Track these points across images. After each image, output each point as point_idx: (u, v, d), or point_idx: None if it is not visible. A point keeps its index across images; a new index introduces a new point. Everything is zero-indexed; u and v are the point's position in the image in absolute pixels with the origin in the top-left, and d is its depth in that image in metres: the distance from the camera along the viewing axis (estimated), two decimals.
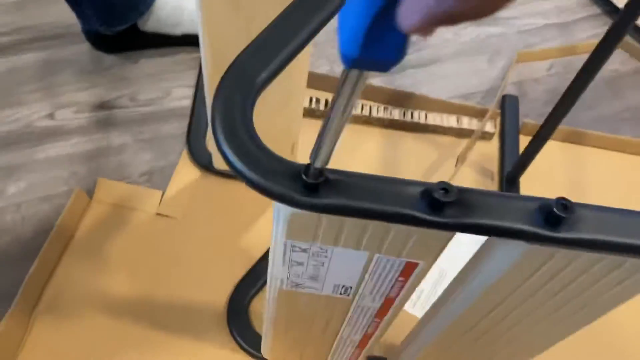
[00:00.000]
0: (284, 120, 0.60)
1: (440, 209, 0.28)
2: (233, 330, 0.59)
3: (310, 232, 0.32)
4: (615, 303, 0.35)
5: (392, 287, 0.37)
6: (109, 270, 0.63)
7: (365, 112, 0.79)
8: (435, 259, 0.34)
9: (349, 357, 0.52)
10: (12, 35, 0.84)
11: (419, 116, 0.80)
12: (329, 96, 0.80)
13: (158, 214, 0.67)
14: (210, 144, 0.69)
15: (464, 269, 0.39)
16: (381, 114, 0.79)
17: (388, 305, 0.40)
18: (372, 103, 0.81)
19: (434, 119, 0.80)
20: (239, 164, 0.29)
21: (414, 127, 0.80)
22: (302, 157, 0.74)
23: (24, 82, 0.79)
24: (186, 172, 0.71)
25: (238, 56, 0.32)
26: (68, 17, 0.82)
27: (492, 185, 0.76)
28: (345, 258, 0.34)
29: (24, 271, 0.58)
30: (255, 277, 0.63)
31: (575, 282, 0.33)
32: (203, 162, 0.71)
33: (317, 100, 0.78)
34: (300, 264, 0.35)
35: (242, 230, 0.68)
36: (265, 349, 0.55)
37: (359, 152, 0.77)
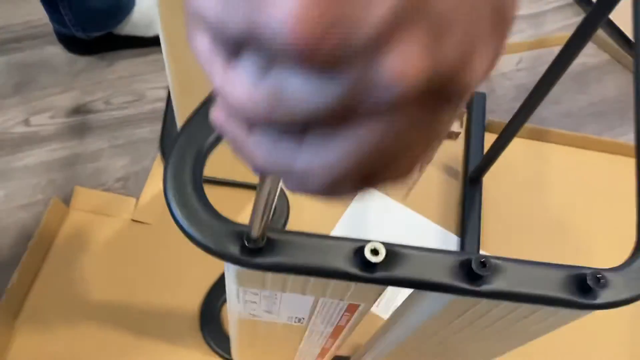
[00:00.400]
0: None
1: (371, 267, 0.31)
2: (206, 334, 0.63)
3: (258, 282, 0.35)
4: (543, 333, 0.39)
5: (339, 319, 0.40)
6: (88, 277, 0.65)
7: None
8: (375, 300, 0.38)
9: (316, 354, 0.56)
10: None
11: None
12: None
13: (133, 220, 0.70)
14: None
15: (402, 305, 0.42)
16: None
17: (339, 330, 0.43)
18: None
19: None
20: (188, 228, 0.31)
21: None
22: None
23: None
24: (160, 177, 0.74)
25: (187, 121, 0.34)
26: (39, 16, 0.82)
27: (457, 185, 0.79)
28: (294, 299, 0.37)
29: (4, 281, 0.61)
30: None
31: (501, 320, 0.37)
32: None
33: None
34: (254, 302, 0.38)
35: None
36: (234, 355, 0.59)
37: None
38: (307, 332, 0.45)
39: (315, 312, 0.39)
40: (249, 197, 0.74)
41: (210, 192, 0.75)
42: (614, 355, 0.69)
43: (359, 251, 0.31)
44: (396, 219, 0.74)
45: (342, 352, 0.63)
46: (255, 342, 0.51)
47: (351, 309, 0.38)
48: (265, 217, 0.28)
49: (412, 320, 0.40)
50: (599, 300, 0.32)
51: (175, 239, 0.69)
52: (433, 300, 0.36)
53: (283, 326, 0.44)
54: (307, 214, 0.74)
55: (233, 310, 0.41)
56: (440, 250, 0.33)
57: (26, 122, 0.77)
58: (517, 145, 0.83)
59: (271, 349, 0.53)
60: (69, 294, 0.64)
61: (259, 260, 0.31)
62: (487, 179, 0.80)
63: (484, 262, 0.32)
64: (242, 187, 0.73)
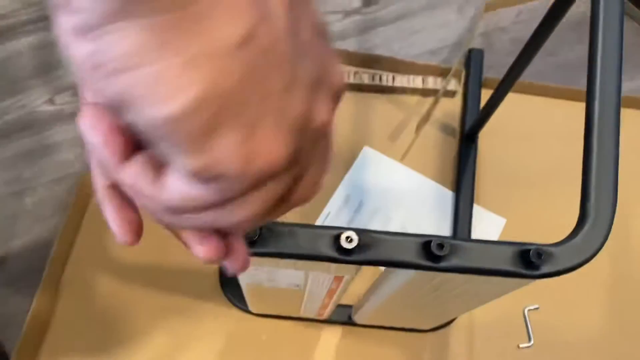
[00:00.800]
0: None
1: (347, 251, 0.38)
2: (226, 292, 0.71)
3: (256, 262, 0.42)
4: (501, 294, 0.46)
5: (330, 285, 0.48)
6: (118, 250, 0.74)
7: None
8: (356, 272, 0.44)
9: (318, 309, 0.64)
10: (9, 18, 0.89)
11: (387, 79, 0.86)
12: None
13: None
14: None
15: (382, 273, 0.49)
16: (352, 80, 0.86)
17: (332, 292, 0.51)
18: (344, 69, 0.87)
19: (401, 80, 0.86)
20: None
21: (382, 89, 0.87)
22: None
23: (21, 67, 0.86)
24: None
25: None
26: None
27: (454, 142, 0.84)
28: (289, 273, 0.44)
29: (46, 250, 0.69)
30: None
31: (462, 287, 0.43)
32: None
33: None
34: (256, 274, 0.46)
35: None
36: (251, 308, 0.67)
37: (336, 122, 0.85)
38: (306, 294, 0.52)
39: (309, 281, 0.47)
40: None
41: None
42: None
43: (337, 239, 0.38)
44: (395, 177, 0.80)
45: (346, 302, 0.71)
46: (264, 299, 0.59)
47: (337, 278, 0.45)
48: None
49: (390, 285, 0.47)
50: (540, 272, 0.38)
51: None
52: (403, 273, 0.42)
53: (284, 290, 0.51)
54: None
55: (241, 278, 0.48)
56: (406, 234, 0.39)
57: (51, 101, 0.83)
58: (512, 101, 0.87)
59: (279, 303, 0.61)
60: (104, 258, 0.72)
61: (253, 249, 0.38)
62: (483, 136, 0.84)
63: (441, 244, 0.38)
64: None
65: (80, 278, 0.71)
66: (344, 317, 0.70)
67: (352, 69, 0.87)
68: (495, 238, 0.77)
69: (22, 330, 0.64)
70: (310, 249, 0.38)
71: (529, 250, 0.38)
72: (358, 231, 0.38)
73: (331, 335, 0.70)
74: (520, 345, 0.71)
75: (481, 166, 0.82)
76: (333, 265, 0.41)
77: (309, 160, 0.18)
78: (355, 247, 0.38)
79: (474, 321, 0.72)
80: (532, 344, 0.71)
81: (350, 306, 0.70)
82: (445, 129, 0.85)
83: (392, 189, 0.79)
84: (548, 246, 0.39)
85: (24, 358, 0.65)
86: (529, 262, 0.38)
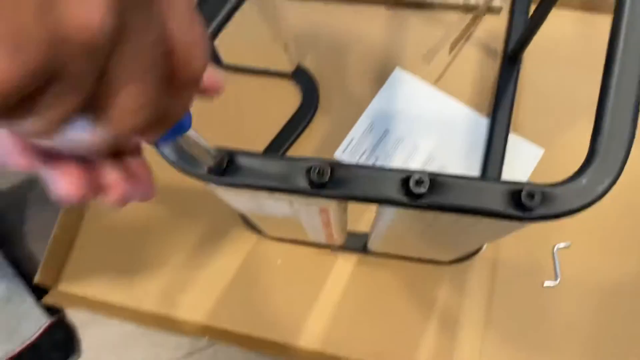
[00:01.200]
0: (272, 26, 0.64)
1: (319, 185, 0.35)
2: (244, 219, 0.71)
3: (233, 191, 0.40)
4: (498, 237, 0.42)
5: (320, 216, 0.46)
6: None
7: None
8: (340, 206, 0.42)
9: (325, 237, 0.63)
10: None
11: None
12: None
13: None
14: (218, 42, 0.74)
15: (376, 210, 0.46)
16: None
17: (327, 224, 0.49)
18: None
19: None
20: (168, 156, 0.37)
21: (419, 5, 0.80)
22: (299, 50, 0.78)
23: None
24: None
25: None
26: None
27: (495, 65, 0.77)
28: (272, 203, 0.43)
29: None
30: None
31: (454, 226, 0.40)
32: (211, 57, 0.78)
33: None
34: (243, 202, 0.44)
35: (251, 118, 0.76)
36: (264, 231, 0.67)
37: (362, 34, 0.80)
38: (303, 223, 0.51)
39: (296, 212, 0.45)
40: (267, 84, 0.77)
41: (233, 79, 0.79)
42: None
43: (307, 171, 0.35)
44: (426, 102, 0.75)
45: (362, 229, 0.70)
46: (270, 224, 0.58)
47: (324, 210, 0.43)
48: (204, 153, 0.33)
49: (383, 219, 0.45)
50: (532, 214, 0.35)
51: (210, 125, 0.76)
52: (388, 208, 0.40)
53: (281, 218, 0.50)
54: (336, 96, 0.76)
55: (233, 204, 0.48)
56: (383, 168, 0.36)
57: None
58: (565, 18, 0.78)
59: (286, 229, 0.60)
60: None
61: (222, 179, 0.36)
62: (528, 57, 0.77)
63: (419, 180, 0.35)
64: (261, 74, 0.77)
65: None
66: (359, 245, 0.68)
67: None
68: (530, 169, 0.72)
69: (48, 244, 0.67)
70: (281, 180, 0.36)
71: (521, 190, 0.34)
72: (332, 164, 0.36)
73: (346, 263, 0.69)
74: (545, 284, 0.67)
75: (522, 91, 0.75)
76: (310, 198, 0.39)
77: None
78: (328, 180, 0.35)
79: (498, 255, 0.69)
80: (558, 283, 0.67)
81: (366, 234, 0.69)
82: (487, 49, 0.78)
83: (422, 115, 0.75)
84: (547, 186, 0.35)
85: (50, 271, 0.69)
86: (520, 203, 0.34)
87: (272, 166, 0.36)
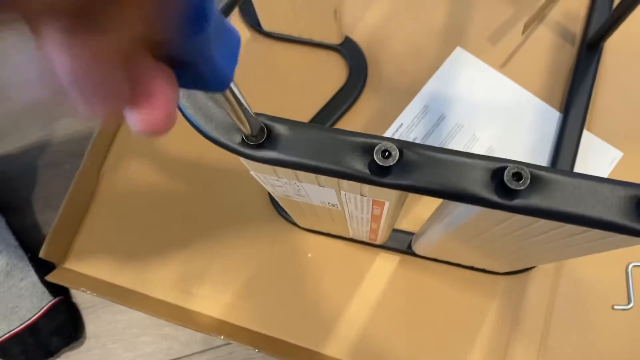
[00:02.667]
0: None
1: (383, 170, 0.27)
2: (275, 203, 0.63)
3: (269, 171, 0.32)
4: (601, 250, 0.33)
5: (371, 210, 0.37)
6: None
7: None
8: (400, 200, 0.34)
9: (367, 233, 0.55)
10: None
11: None
12: None
13: None
14: (256, 5, 0.66)
15: (439, 206, 0.38)
16: None
17: (377, 218, 0.41)
18: None
19: None
20: (195, 121, 0.29)
21: None
22: (348, 19, 0.69)
23: None
24: None
25: None
26: None
27: (572, 51, 0.67)
28: (316, 189, 0.34)
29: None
30: None
31: (542, 236, 0.32)
32: (252, 23, 0.70)
33: None
34: (280, 186, 0.36)
35: (292, 91, 0.68)
36: (296, 220, 0.59)
37: (421, 6, 0.70)
38: (346, 214, 0.43)
39: (344, 202, 0.37)
40: (312, 55, 0.69)
41: (273, 47, 0.71)
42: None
43: (368, 151, 0.27)
44: (489, 88, 0.66)
45: (407, 227, 0.61)
46: (305, 215, 0.50)
47: (378, 203, 0.35)
48: (244, 117, 0.25)
49: (449, 220, 0.36)
50: None
51: (251, 96, 0.68)
52: (465, 207, 0.31)
53: (321, 208, 0.42)
54: (386, 75, 0.68)
55: (267, 187, 0.40)
56: (469, 154, 0.27)
57: None
58: None
59: (323, 221, 0.52)
60: (145, 154, 0.67)
61: (258, 153, 0.28)
62: (610, 46, 0.67)
63: (518, 174, 0.26)
64: (306, 44, 0.69)
65: (120, 170, 0.66)
66: (403, 245, 0.60)
67: None
68: (606, 174, 0.62)
69: (57, 217, 0.60)
70: (332, 160, 0.28)
71: None
72: (401, 143, 0.27)
73: (386, 263, 0.61)
74: (616, 307, 0.58)
75: (601, 84, 0.65)
76: (365, 187, 0.31)
77: None
78: (394, 164, 0.27)
79: (561, 270, 0.60)
80: (631, 307, 0.58)
81: (411, 233, 0.60)
82: (564, 33, 0.68)
83: (484, 102, 0.66)
84: None
85: (57, 246, 0.62)
86: None
87: (322, 140, 0.28)
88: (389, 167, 0.27)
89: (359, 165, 0.27)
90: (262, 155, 0.28)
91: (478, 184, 0.27)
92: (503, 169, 0.26)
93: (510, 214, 0.29)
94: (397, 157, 0.27)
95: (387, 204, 0.34)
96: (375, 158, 0.27)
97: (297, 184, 0.34)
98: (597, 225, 0.27)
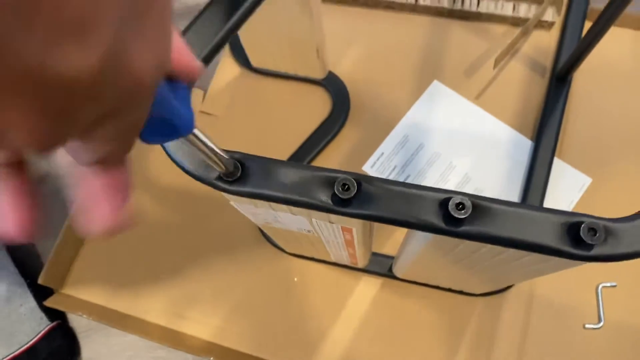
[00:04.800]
0: (303, 30, 0.60)
1: (344, 202, 0.31)
2: (263, 232, 0.67)
3: (247, 201, 0.36)
4: (542, 274, 0.37)
5: (343, 235, 0.41)
6: (156, 165, 0.71)
7: (411, 0, 0.75)
8: (366, 226, 0.37)
9: (347, 257, 0.58)
10: None
11: (471, 3, 0.74)
12: None
13: (201, 112, 0.73)
14: (244, 43, 0.70)
15: (406, 233, 0.41)
16: (428, 2, 0.74)
17: (350, 243, 0.44)
18: None
19: (488, 6, 0.74)
20: (176, 158, 0.32)
21: (464, 15, 0.75)
22: (332, 54, 0.74)
23: None
24: (227, 71, 0.75)
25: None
26: None
27: (543, 82, 0.72)
28: (290, 217, 0.38)
29: None
30: None
31: (497, 258, 0.35)
32: (242, 60, 0.74)
33: None
34: (259, 214, 0.40)
35: (279, 124, 0.72)
36: (282, 246, 0.63)
37: (400, 43, 0.75)
38: (323, 240, 0.46)
39: (317, 229, 0.40)
40: (297, 89, 0.73)
41: (262, 83, 0.75)
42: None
43: (331, 184, 0.31)
44: (465, 119, 0.70)
45: (387, 251, 0.64)
46: (288, 240, 0.53)
47: (346, 229, 0.38)
48: (214, 157, 0.28)
49: (413, 244, 0.40)
50: (592, 253, 0.29)
51: (241, 128, 0.72)
52: (420, 232, 0.35)
53: (300, 234, 0.45)
54: (368, 107, 0.72)
55: (251, 218, 0.43)
56: (418, 186, 0.31)
57: None
58: (623, 37, 0.72)
59: (306, 247, 0.55)
60: (144, 183, 0.70)
61: (233, 187, 0.32)
62: (578, 77, 0.71)
63: (461, 204, 0.30)
64: (291, 79, 0.73)
65: None
66: (384, 268, 0.63)
67: None
68: (576, 199, 0.66)
69: (55, 245, 0.64)
70: (300, 192, 0.31)
71: (580, 223, 0.29)
72: (359, 177, 0.31)
73: (368, 286, 0.64)
74: (587, 325, 0.61)
75: (571, 113, 0.69)
76: (332, 215, 0.34)
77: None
78: (353, 196, 0.30)
79: (535, 291, 0.63)
80: (601, 326, 0.61)
81: (392, 257, 0.63)
82: (535, 66, 0.72)
83: (460, 132, 0.70)
84: (610, 221, 0.30)
85: (55, 272, 0.65)
86: (579, 239, 0.29)
87: (290, 175, 0.32)
88: (349, 199, 0.30)
89: (323, 197, 0.31)
90: (237, 189, 0.32)
91: (428, 213, 0.30)
92: (448, 199, 0.30)
93: (459, 240, 0.32)
94: (355, 190, 0.30)
95: (354, 230, 0.38)
96: (336, 191, 0.30)
97: (272, 212, 0.38)
98: (534, 249, 0.30)
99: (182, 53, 0.20)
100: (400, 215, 0.30)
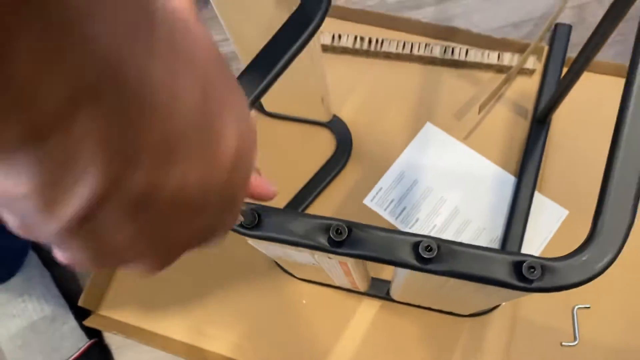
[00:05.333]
0: (310, 82, 0.69)
1: (337, 244, 0.39)
2: (277, 261, 0.75)
3: (261, 242, 0.44)
4: (502, 301, 0.45)
5: (341, 267, 0.49)
6: None
7: (407, 50, 0.84)
8: (357, 261, 0.46)
9: (348, 283, 0.66)
10: None
11: (460, 53, 0.83)
12: (352, 28, 0.85)
13: None
14: None
15: None
16: (422, 52, 0.83)
17: (348, 272, 0.52)
18: (414, 40, 0.85)
19: (475, 55, 0.83)
20: None
21: (454, 63, 0.84)
22: (337, 99, 0.83)
23: None
24: None
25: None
26: None
27: (525, 124, 0.80)
28: (296, 253, 0.46)
29: None
30: (293, 206, 0.77)
31: (463, 289, 0.43)
32: (257, 105, 0.83)
33: (339, 37, 0.85)
34: (272, 250, 0.49)
35: (290, 161, 0.81)
36: (292, 272, 0.71)
37: (397, 89, 0.84)
38: (325, 270, 0.54)
39: (318, 261, 0.49)
40: (306, 131, 0.82)
41: (274, 126, 0.84)
42: None
43: (327, 230, 0.39)
44: (455, 157, 0.78)
45: (386, 277, 0.72)
46: (296, 269, 0.62)
47: (343, 263, 0.47)
48: None
49: (399, 276, 0.48)
50: (533, 286, 0.37)
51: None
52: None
53: (306, 264, 0.54)
54: (368, 146, 0.80)
55: (265, 252, 0.52)
56: (397, 232, 0.39)
57: None
58: (597, 82, 0.80)
59: (312, 274, 0.64)
60: None
61: (250, 232, 0.40)
62: (557, 120, 0.79)
63: (429, 246, 0.38)
64: (300, 122, 0.82)
65: None
66: (382, 291, 0.71)
67: (424, 39, 0.85)
68: (554, 229, 0.74)
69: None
70: (303, 237, 0.40)
71: (523, 261, 0.37)
72: (350, 225, 0.39)
73: (369, 308, 0.72)
74: (563, 343, 0.68)
75: (550, 152, 0.78)
76: (330, 254, 0.43)
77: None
78: (345, 239, 0.39)
79: (517, 312, 0.70)
80: (576, 344, 0.68)
81: (389, 281, 0.71)
82: (518, 110, 0.81)
83: (451, 169, 0.78)
84: (548, 260, 0.38)
85: (93, 296, 0.74)
86: (521, 274, 0.37)
87: (296, 224, 0.40)
88: (342, 241, 0.39)
89: (321, 240, 0.39)
90: (255, 234, 0.40)
91: (404, 254, 0.39)
92: (419, 242, 0.38)
93: (430, 274, 0.40)
94: (346, 234, 0.39)
95: (349, 264, 0.46)
96: (331, 235, 0.39)
97: (282, 250, 0.46)
98: (488, 282, 0.38)
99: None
100: (382, 255, 0.39)
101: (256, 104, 0.82)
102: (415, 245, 0.38)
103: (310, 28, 0.46)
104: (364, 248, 0.39)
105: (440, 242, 0.38)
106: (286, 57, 0.47)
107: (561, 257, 0.38)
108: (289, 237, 0.40)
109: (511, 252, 0.38)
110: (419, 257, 0.38)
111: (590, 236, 0.38)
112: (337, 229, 0.39)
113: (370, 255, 0.39)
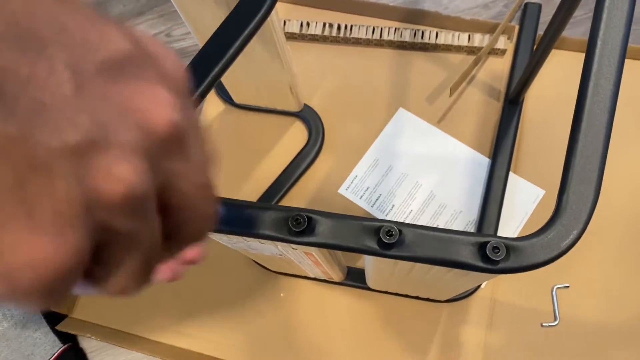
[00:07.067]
0: (276, 72, 0.68)
1: (297, 233, 0.38)
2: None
3: (223, 236, 0.43)
4: (469, 286, 0.44)
5: (308, 257, 0.48)
6: None
7: (377, 35, 0.82)
8: (322, 250, 0.44)
9: (321, 274, 0.65)
10: None
11: (430, 36, 0.82)
12: (320, 16, 0.83)
13: None
14: (226, 85, 0.78)
15: None
16: (392, 36, 0.82)
17: (317, 263, 0.51)
18: (384, 24, 0.83)
19: (445, 37, 0.81)
20: None
21: (424, 47, 0.82)
22: (307, 89, 0.81)
23: None
24: (213, 107, 0.83)
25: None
26: None
27: (497, 105, 0.79)
28: (260, 244, 0.45)
29: None
30: (267, 198, 0.76)
31: (430, 273, 0.42)
32: (225, 97, 0.82)
33: (307, 24, 0.83)
34: (235, 243, 0.47)
35: (262, 153, 0.79)
36: (267, 265, 0.70)
37: (368, 75, 0.82)
38: (295, 261, 0.53)
39: (284, 252, 0.48)
40: (277, 122, 0.81)
41: (245, 117, 0.82)
42: None
43: (287, 220, 0.38)
44: (429, 142, 0.77)
45: (362, 265, 0.71)
46: (269, 262, 0.61)
47: (308, 254, 0.46)
48: None
49: (368, 263, 0.47)
50: (498, 267, 0.36)
51: (227, 159, 0.80)
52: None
53: (273, 256, 0.52)
54: (340, 135, 0.79)
55: (229, 246, 0.50)
56: (356, 217, 0.38)
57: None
58: (566, 60, 0.79)
59: (285, 266, 0.62)
60: None
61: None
62: (530, 99, 0.78)
63: (389, 231, 0.37)
64: (271, 112, 0.81)
65: None
66: (359, 280, 0.70)
67: (393, 24, 0.84)
68: (531, 210, 0.73)
69: None
70: (262, 229, 0.38)
71: (487, 242, 0.36)
72: (310, 213, 0.38)
73: (346, 297, 0.71)
74: (544, 324, 0.68)
75: (523, 132, 0.77)
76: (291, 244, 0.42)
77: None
78: (305, 228, 0.38)
79: (496, 295, 0.70)
80: (557, 323, 0.68)
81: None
82: (490, 91, 0.80)
83: (425, 153, 0.77)
84: (513, 240, 0.37)
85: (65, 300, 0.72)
86: (486, 255, 0.36)
87: (258, 215, 0.39)
88: (302, 231, 0.38)
89: (283, 231, 0.38)
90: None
91: (366, 240, 0.38)
92: (380, 227, 0.37)
93: (394, 260, 0.39)
94: (306, 223, 0.37)
95: (315, 254, 0.45)
96: (291, 225, 0.37)
97: (246, 242, 0.45)
98: (452, 265, 0.37)
99: None
100: (343, 242, 0.38)
101: (224, 96, 0.81)
102: (377, 231, 0.37)
103: (262, 11, 0.45)
104: (325, 236, 0.38)
105: (401, 226, 0.37)
106: (237, 43, 0.45)
107: (526, 236, 0.37)
108: (246, 230, 0.39)
109: (474, 233, 0.37)
110: (380, 243, 0.37)
111: (555, 214, 0.37)
112: (297, 219, 0.38)
113: (331, 243, 0.38)
